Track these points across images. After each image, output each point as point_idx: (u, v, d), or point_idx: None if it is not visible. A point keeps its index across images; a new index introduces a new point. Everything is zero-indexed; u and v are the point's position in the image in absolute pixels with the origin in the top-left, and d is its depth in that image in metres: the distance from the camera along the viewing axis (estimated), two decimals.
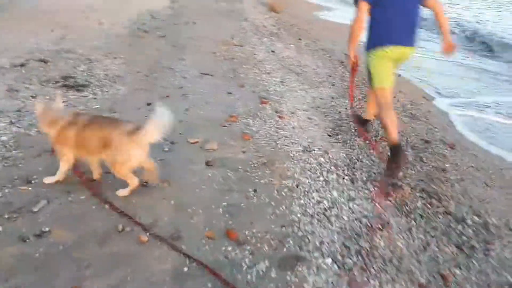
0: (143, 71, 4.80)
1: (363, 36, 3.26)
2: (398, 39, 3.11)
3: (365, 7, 3.11)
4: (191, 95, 4.19)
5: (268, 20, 10.00)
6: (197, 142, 3.14)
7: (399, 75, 5.59)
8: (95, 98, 3.81)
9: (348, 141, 3.68)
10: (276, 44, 7.30)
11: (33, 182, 2.41)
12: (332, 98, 4.83)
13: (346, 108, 4.50)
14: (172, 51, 5.90)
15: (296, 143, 3.42)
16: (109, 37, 6.12)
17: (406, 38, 3.14)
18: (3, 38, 5.29)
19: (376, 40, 3.19)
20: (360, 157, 3.40)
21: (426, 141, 3.90)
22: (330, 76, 5.77)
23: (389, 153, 3.11)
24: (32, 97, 3.61)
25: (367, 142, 3.65)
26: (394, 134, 3.02)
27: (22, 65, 4.39)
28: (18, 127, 3.05)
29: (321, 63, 6.48)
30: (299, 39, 8.26)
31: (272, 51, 6.72)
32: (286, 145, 3.34)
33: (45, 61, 4.58)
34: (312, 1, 17.12)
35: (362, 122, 3.85)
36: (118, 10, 8.38)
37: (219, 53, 6.10)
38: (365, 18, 3.17)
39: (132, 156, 2.27)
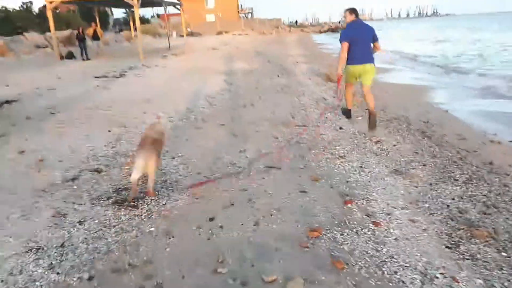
0: (203, 171, 4.26)
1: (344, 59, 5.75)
2: (360, 61, 5.72)
3: (346, 45, 5.65)
4: (257, 200, 3.50)
5: (327, 91, 9.48)
6: (275, 280, 2.36)
7: None
8: (149, 217, 3.24)
9: (479, 254, 2.69)
10: (342, 119, 6.61)
11: None
12: (431, 185, 3.90)
13: (453, 199, 3.55)
14: (233, 141, 5.40)
15: (407, 266, 2.51)
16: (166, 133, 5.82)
17: (364, 60, 5.71)
18: (58, 146, 5.13)
19: (349, 61, 5.76)
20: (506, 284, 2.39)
21: None
22: (416, 153, 4.87)
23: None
24: (80, 223, 3.12)
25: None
26: (372, 107, 5.90)
27: (74, 178, 4.03)
28: (58, 273, 2.49)
29: (400, 136, 5.62)
30: (366, 109, 7.54)
31: (340, 128, 6.01)
32: (396, 272, 2.44)
33: (98, 171, 4.22)
34: None
35: (347, 111, 6.67)
36: (175, 100, 8.33)
37: (282, 137, 5.50)
38: (346, 51, 5.68)
39: None
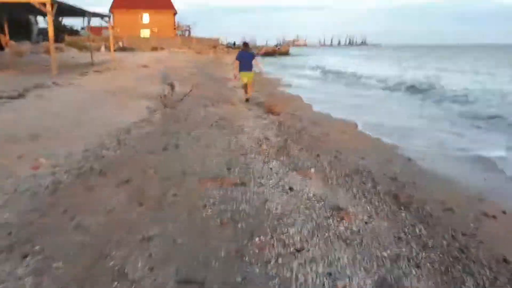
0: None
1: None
2: (244, 70, 10.73)
3: (237, 62, 10.80)
4: None
5: (269, 127, 8.03)
6: None
7: None
8: None
9: None
10: (291, 173, 5.11)
11: None
12: None
13: None
14: (135, 217, 3.59)
15: None
16: (35, 197, 3.85)
17: (246, 69, 10.74)
18: None
19: (240, 70, 10.77)
20: None
21: None
22: (400, 239, 3.45)
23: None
24: None
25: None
26: (250, 95, 11.22)
27: None
28: None
29: (370, 205, 4.21)
30: (317, 155, 6.15)
31: (290, 189, 4.48)
32: None
33: None
34: (305, 95, 15.73)
35: (247, 99, 11.23)
36: (73, 136, 6.31)
37: (211, 208, 3.81)
38: (237, 65, 10.80)
39: None
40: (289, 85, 18.59)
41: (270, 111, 9.84)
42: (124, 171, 4.77)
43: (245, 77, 10.80)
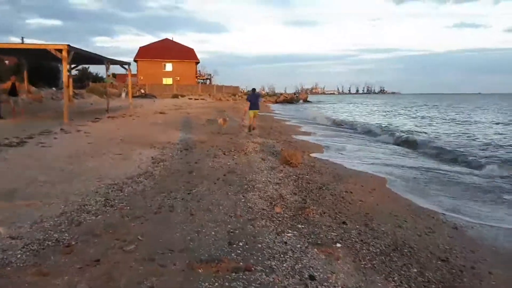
0: None
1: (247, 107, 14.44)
2: (253, 108, 14.39)
3: (248, 103, 14.58)
4: None
5: (285, 182, 6.96)
6: None
7: None
8: None
9: None
10: (311, 249, 3.97)
11: None
12: None
13: None
14: None
15: None
16: None
17: (255, 108, 14.45)
18: None
19: (250, 108, 14.39)
20: None
21: None
22: None
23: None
24: None
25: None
26: (254, 124, 14.82)
27: None
28: None
29: None
30: (343, 222, 5.00)
31: (311, 277, 3.33)
32: None
33: None
34: (325, 143, 14.66)
35: (249, 127, 14.61)
36: (57, 193, 5.40)
37: None
38: (248, 105, 14.52)
39: None
40: (308, 133, 17.63)
41: (286, 162, 8.81)
42: (98, 245, 3.75)
43: (253, 112, 14.52)
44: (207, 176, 7.03)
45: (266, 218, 4.88)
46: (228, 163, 8.30)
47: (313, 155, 10.75)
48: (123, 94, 39.06)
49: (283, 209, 5.36)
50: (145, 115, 20.42)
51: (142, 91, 50.38)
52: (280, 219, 4.92)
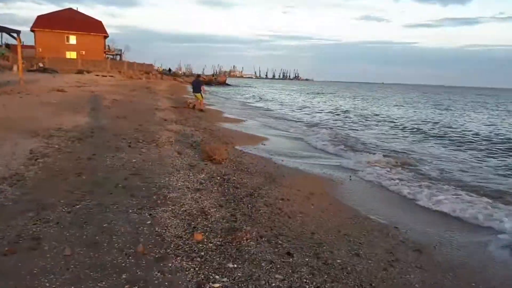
0: None
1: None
2: (195, 92, 17.77)
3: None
4: None
5: (207, 188, 5.46)
6: None
7: None
8: None
9: None
10: None
11: None
12: None
13: None
14: None
15: None
16: None
17: (197, 91, 17.65)
18: None
19: (193, 91, 18.24)
20: None
21: None
22: None
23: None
24: None
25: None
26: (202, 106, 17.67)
27: None
28: None
29: None
30: (288, 254, 3.67)
31: None
32: None
33: None
34: (254, 132, 13.40)
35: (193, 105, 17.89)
36: None
37: None
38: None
39: None
40: (232, 121, 16.21)
41: (208, 157, 7.30)
42: None
43: (196, 95, 17.82)
44: (102, 180, 5.23)
45: (182, 254, 3.35)
46: (134, 160, 6.52)
47: (238, 147, 9.37)
48: (15, 67, 33.51)
49: (206, 233, 3.88)
50: (39, 93, 17.13)
51: (41, 64, 44.21)
52: (202, 252, 3.44)
